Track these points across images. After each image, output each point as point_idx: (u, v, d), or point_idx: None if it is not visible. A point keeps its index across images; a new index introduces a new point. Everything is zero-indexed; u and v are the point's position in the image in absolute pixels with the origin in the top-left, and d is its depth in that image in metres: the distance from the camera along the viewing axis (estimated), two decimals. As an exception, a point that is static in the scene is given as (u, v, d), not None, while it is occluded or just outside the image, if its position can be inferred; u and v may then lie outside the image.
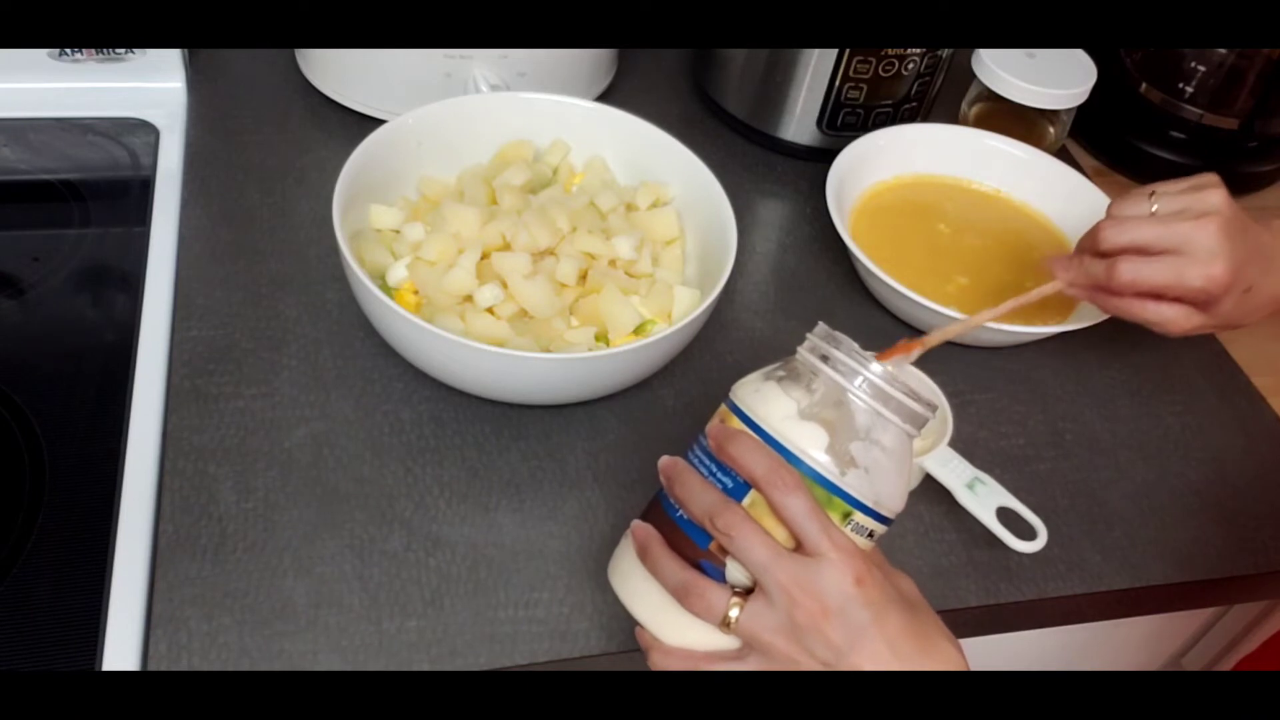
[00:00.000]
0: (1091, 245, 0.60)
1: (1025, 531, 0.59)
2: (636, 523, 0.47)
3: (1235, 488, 0.67)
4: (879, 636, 0.41)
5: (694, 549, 0.44)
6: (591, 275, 0.63)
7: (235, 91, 0.81)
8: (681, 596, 0.44)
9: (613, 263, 0.65)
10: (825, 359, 0.44)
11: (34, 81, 0.78)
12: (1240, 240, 0.57)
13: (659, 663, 0.46)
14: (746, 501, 0.43)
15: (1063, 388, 0.72)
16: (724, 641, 0.44)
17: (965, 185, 0.81)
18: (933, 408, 0.44)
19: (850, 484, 0.43)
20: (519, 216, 0.64)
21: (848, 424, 0.43)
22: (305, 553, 0.55)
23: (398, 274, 0.63)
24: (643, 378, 0.63)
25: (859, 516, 0.43)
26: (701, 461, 0.45)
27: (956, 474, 0.60)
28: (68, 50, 0.78)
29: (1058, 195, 0.79)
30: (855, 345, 0.44)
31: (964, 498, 0.60)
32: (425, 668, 0.52)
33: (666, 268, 0.67)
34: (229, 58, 0.84)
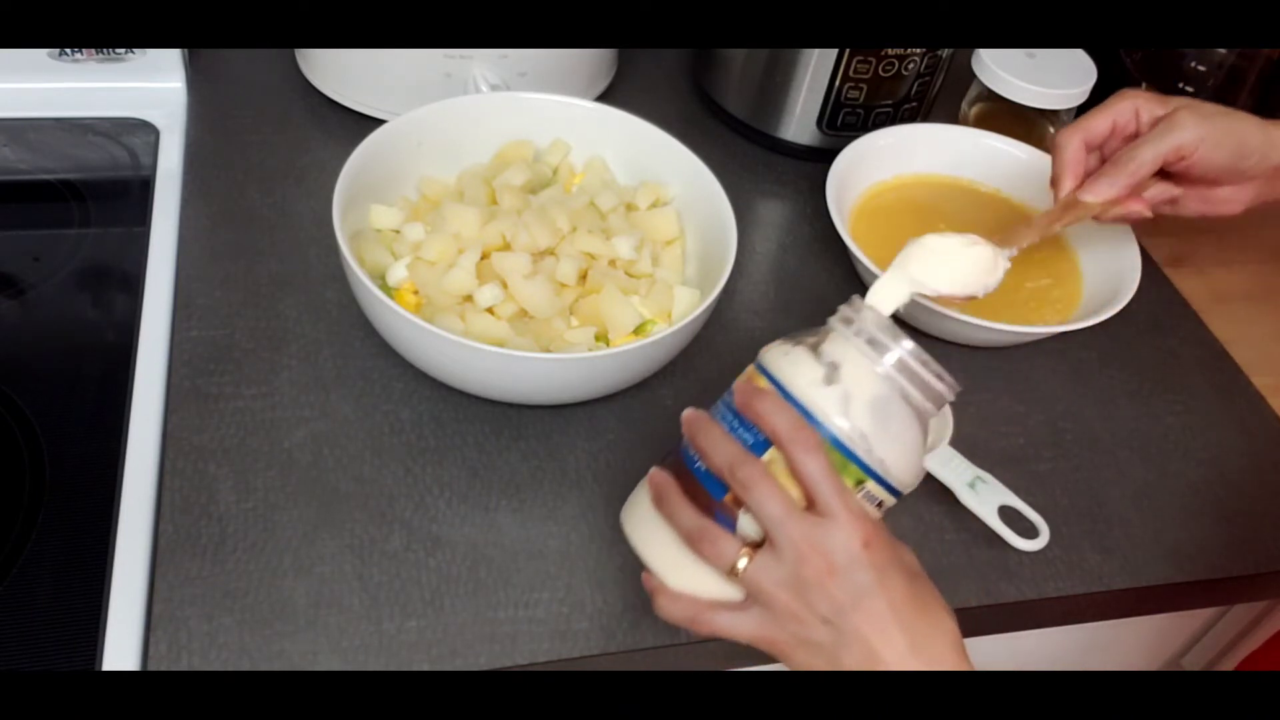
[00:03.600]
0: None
1: (1027, 530, 0.59)
2: (654, 469, 0.48)
3: (1235, 488, 0.67)
4: (881, 597, 0.42)
5: (709, 500, 0.45)
6: (591, 275, 0.63)
7: (235, 91, 0.81)
8: (694, 541, 0.45)
9: (613, 263, 0.65)
10: (857, 331, 0.46)
11: (34, 81, 0.78)
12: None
13: (664, 606, 0.46)
14: (765, 459, 0.44)
15: (1063, 388, 0.72)
16: (728, 591, 0.45)
17: (965, 185, 0.81)
18: (954, 388, 0.45)
19: (866, 452, 0.44)
20: (519, 216, 0.64)
21: (870, 394, 0.44)
22: (305, 553, 0.55)
23: (398, 274, 0.63)
24: (643, 378, 0.63)
25: (871, 485, 0.44)
26: (724, 417, 0.46)
27: (957, 473, 0.60)
28: (68, 50, 0.78)
29: (1058, 195, 0.79)
30: (887, 320, 0.46)
31: (965, 497, 0.60)
32: (425, 668, 0.52)
33: (666, 268, 0.67)
34: (229, 58, 0.84)
